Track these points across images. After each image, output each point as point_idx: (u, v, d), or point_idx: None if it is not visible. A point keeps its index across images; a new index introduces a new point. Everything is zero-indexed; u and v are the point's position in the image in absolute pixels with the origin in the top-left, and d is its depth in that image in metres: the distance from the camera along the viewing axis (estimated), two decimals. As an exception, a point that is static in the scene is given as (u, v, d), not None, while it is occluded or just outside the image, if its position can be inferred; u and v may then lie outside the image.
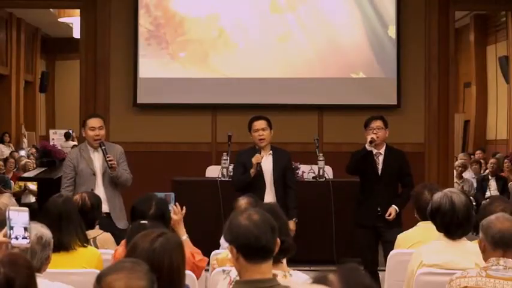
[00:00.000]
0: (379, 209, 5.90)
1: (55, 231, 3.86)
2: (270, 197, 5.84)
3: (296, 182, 6.28)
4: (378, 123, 6.00)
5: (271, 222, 2.66)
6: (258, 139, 5.95)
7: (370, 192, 5.99)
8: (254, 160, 5.87)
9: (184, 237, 4.12)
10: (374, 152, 6.00)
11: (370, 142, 5.93)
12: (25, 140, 16.51)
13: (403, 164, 6.05)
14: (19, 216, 2.91)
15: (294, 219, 5.83)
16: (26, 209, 3.02)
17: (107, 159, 5.73)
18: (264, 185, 5.91)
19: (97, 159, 5.87)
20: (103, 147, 5.79)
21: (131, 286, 2.18)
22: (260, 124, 5.96)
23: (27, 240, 2.91)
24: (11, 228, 2.88)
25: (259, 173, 5.91)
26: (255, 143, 6.01)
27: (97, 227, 4.69)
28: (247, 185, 5.85)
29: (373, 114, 6.22)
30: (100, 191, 5.77)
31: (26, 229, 2.91)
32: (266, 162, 5.98)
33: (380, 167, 5.99)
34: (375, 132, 5.96)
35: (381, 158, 6.00)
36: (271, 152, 6.03)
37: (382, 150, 6.02)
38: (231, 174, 6.57)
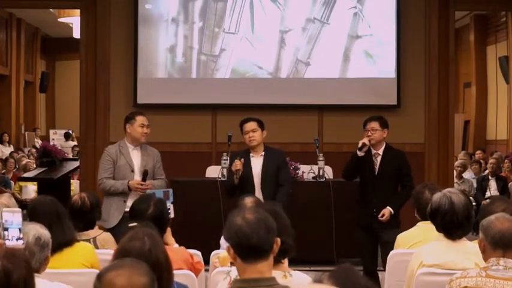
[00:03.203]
0: (374, 210, 5.88)
1: (58, 230, 3.87)
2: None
3: (289, 180, 6.21)
4: (372, 125, 5.97)
5: (267, 222, 2.65)
6: (249, 140, 5.96)
7: (367, 193, 5.98)
8: (233, 168, 5.88)
9: (175, 245, 4.10)
10: (373, 153, 5.99)
11: (359, 149, 5.92)
12: (34, 140, 16.58)
13: (402, 165, 6.01)
14: (13, 217, 2.90)
15: None
16: (19, 209, 3.01)
17: (137, 191, 5.70)
18: (252, 187, 5.89)
19: (135, 157, 5.90)
20: (144, 177, 5.77)
21: (133, 282, 2.16)
22: (250, 126, 5.96)
23: (22, 241, 2.90)
24: (5, 229, 2.87)
25: (249, 175, 5.90)
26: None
27: (96, 227, 4.68)
28: (236, 187, 5.86)
29: (371, 115, 6.21)
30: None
31: (20, 230, 2.90)
32: (256, 163, 5.97)
33: (377, 167, 5.97)
34: (369, 134, 5.95)
35: (379, 159, 5.98)
36: (263, 153, 6.01)
37: (381, 151, 5.99)
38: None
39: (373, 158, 5.98)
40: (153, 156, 5.97)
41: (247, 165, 5.93)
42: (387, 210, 5.84)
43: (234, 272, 2.97)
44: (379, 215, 5.83)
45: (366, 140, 5.92)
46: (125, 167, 5.84)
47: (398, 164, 5.99)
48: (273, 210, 2.99)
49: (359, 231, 6.00)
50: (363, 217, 5.96)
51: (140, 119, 5.93)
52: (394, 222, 5.84)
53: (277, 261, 2.87)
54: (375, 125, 5.97)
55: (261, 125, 6.01)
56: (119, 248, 2.73)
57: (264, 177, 5.94)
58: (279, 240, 2.69)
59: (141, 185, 5.73)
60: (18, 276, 2.28)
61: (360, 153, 5.93)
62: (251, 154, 6.00)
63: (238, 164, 5.87)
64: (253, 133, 5.95)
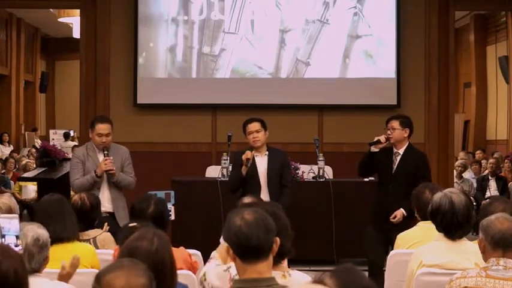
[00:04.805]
0: (388, 210, 5.80)
1: (58, 224, 3.88)
2: (264, 198, 5.78)
3: (292, 181, 6.24)
4: (392, 124, 5.94)
5: (266, 222, 2.64)
6: (253, 141, 5.96)
7: (383, 192, 5.93)
8: (243, 157, 5.87)
9: None
10: (393, 151, 5.95)
11: (370, 144, 5.90)
12: (34, 140, 16.57)
13: (421, 166, 5.90)
14: (10, 224, 2.89)
15: None
16: (17, 216, 3.00)
17: (105, 168, 5.78)
18: (258, 186, 5.90)
19: (102, 158, 5.90)
20: (105, 152, 5.85)
21: (131, 283, 2.16)
22: (254, 126, 5.97)
23: (19, 248, 2.90)
24: (3, 236, 2.87)
25: (254, 174, 5.91)
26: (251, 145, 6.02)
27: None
28: (242, 186, 5.85)
29: (395, 114, 6.19)
30: (105, 190, 5.86)
31: (17, 237, 2.90)
32: (261, 163, 5.98)
33: (395, 166, 5.91)
34: (389, 132, 5.92)
35: (398, 158, 5.92)
36: (266, 153, 6.02)
37: (401, 150, 5.92)
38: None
39: (393, 156, 5.93)
40: (121, 154, 5.97)
41: (251, 164, 5.92)
42: (399, 212, 5.76)
43: (234, 270, 2.97)
44: (391, 216, 5.77)
45: (381, 137, 5.90)
46: (92, 167, 5.85)
47: (416, 164, 5.89)
48: (272, 211, 2.98)
49: (370, 230, 5.91)
50: (376, 216, 5.92)
51: (98, 128, 5.90)
52: (407, 224, 5.56)
53: (276, 262, 2.86)
54: (395, 123, 5.93)
55: (264, 125, 6.02)
56: (125, 246, 2.72)
57: (270, 177, 5.95)
58: (278, 239, 2.68)
59: (105, 162, 5.78)
60: (8, 267, 2.26)
61: (373, 149, 5.90)
62: (254, 153, 5.98)
63: (249, 154, 5.87)
64: (257, 133, 5.96)
